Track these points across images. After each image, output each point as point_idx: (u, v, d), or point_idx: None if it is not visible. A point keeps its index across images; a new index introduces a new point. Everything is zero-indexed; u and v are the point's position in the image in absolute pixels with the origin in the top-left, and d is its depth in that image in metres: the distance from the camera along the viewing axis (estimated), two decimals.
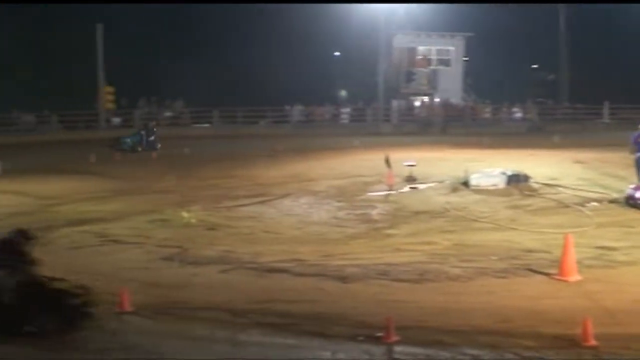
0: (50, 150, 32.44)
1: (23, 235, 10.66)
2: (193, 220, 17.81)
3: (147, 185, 23.44)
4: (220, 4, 41.24)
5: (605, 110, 47.60)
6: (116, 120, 41.16)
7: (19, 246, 10.43)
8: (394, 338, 9.46)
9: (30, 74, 39.08)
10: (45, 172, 26.43)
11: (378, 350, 9.33)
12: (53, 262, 14.20)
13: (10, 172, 25.54)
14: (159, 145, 33.90)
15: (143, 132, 34.51)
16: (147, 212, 19.08)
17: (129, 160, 29.26)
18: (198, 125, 42.13)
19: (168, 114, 42.38)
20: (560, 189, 21.05)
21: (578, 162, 26.34)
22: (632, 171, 20.37)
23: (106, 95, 40.30)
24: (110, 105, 40.79)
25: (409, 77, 48.60)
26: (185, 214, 18.23)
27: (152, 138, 34.40)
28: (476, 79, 48.49)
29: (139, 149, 33.66)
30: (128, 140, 34.17)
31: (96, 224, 17.60)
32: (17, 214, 18.78)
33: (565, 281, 12.15)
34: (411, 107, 48.33)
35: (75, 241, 16.06)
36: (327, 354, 9.58)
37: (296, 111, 43.70)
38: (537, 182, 21.73)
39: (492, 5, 42.78)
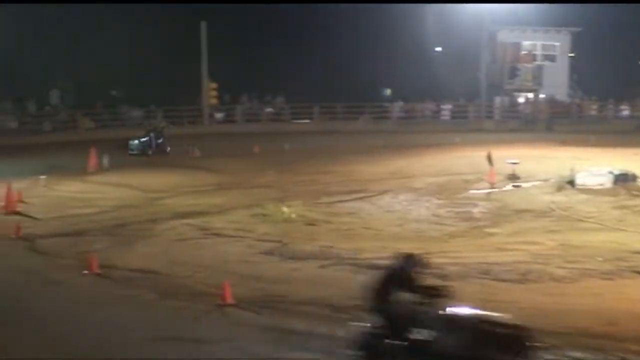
0: None
1: (415, 263, 8.31)
2: (293, 215, 17.96)
3: (248, 180, 23.76)
4: (322, 4, 41.47)
5: None
6: (219, 115, 41.90)
7: (413, 275, 8.18)
8: None
9: (137, 70, 40.13)
10: (150, 165, 27.15)
11: None
12: (159, 253, 14.67)
13: (117, 166, 26.32)
14: (169, 149, 31.32)
15: (152, 134, 31.53)
16: (248, 206, 19.34)
17: (231, 155, 29.66)
18: (298, 121, 42.46)
19: (269, 109, 42.87)
20: None
21: None
22: None
23: (210, 91, 41.09)
24: (214, 101, 41.53)
25: (513, 72, 47.69)
26: (285, 209, 18.40)
27: (160, 140, 31.54)
28: (582, 75, 47.20)
29: (149, 152, 30.91)
30: (136, 142, 31.23)
31: (199, 217, 17.96)
32: (125, 207, 19.37)
33: None
34: (515, 104, 47.41)
35: (179, 234, 16.44)
36: None
37: (396, 107, 43.54)
38: None
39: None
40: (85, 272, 13.23)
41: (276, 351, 9.61)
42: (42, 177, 22.73)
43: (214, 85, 41.15)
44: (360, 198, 20.61)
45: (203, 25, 39.78)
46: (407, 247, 14.72)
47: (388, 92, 43.67)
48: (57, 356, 9.46)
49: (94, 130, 37.04)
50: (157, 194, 21.25)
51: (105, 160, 26.29)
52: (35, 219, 17.87)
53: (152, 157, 30.36)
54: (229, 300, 11.45)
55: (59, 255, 14.59)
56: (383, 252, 14.41)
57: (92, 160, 25.99)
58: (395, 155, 29.38)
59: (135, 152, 30.80)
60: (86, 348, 9.71)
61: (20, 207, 18.92)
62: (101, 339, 10.08)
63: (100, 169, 25.76)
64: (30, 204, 19.49)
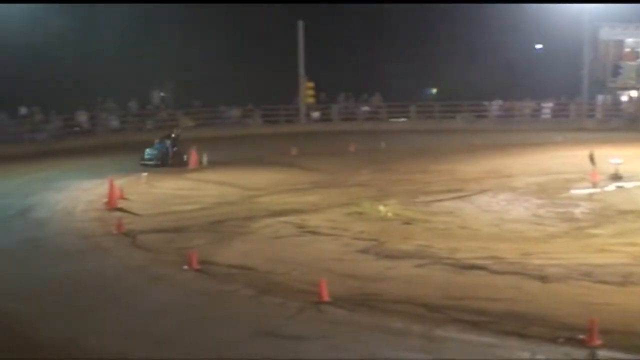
0: (252, 143, 33.71)
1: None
2: (389, 214, 17.87)
3: (344, 179, 23.78)
4: (419, 3, 41.14)
5: None
6: (315, 114, 42.14)
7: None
8: (597, 342, 9.04)
9: (235, 70, 40.72)
10: (248, 163, 27.50)
11: (580, 353, 8.95)
12: (257, 250, 14.82)
13: (215, 164, 26.76)
14: (186, 157, 26.80)
15: (169, 142, 27.28)
16: (344, 204, 19.34)
17: (327, 153, 29.78)
18: (395, 119, 42.29)
19: (365, 108, 42.85)
20: None
21: None
22: None
23: (306, 90, 41.37)
24: (311, 100, 41.79)
25: (616, 70, 46.29)
26: (381, 208, 18.33)
27: (175, 149, 27.14)
28: None
29: (169, 161, 26.68)
30: (150, 152, 26.90)
31: (295, 215, 18.07)
32: (223, 204, 19.67)
33: None
34: (617, 102, 45.99)
35: (276, 231, 16.58)
36: (526, 355, 9.31)
37: (495, 106, 42.85)
38: None
39: None
40: (185, 267, 13.48)
41: (372, 350, 9.56)
42: (144, 174, 23.30)
43: (310, 84, 41.40)
44: (458, 197, 20.34)
45: (300, 24, 40.07)
46: (505, 248, 14.55)
47: (433, 91, 42.97)
48: (162, 351, 9.67)
49: (194, 129, 37.77)
50: (255, 192, 21.49)
51: (205, 158, 26.74)
52: (136, 215, 18.33)
53: (171, 168, 26.27)
54: (325, 297, 11.47)
55: (160, 250, 14.91)
56: (481, 252, 14.23)
57: (193, 158, 26.48)
58: (494, 154, 28.94)
59: (152, 162, 26.39)
60: (192, 343, 9.89)
61: (122, 204, 19.44)
62: (201, 334, 10.26)
63: (200, 167, 26.23)
64: (131, 201, 20.01)
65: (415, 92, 41.09)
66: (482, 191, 21.10)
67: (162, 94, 39.40)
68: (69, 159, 28.04)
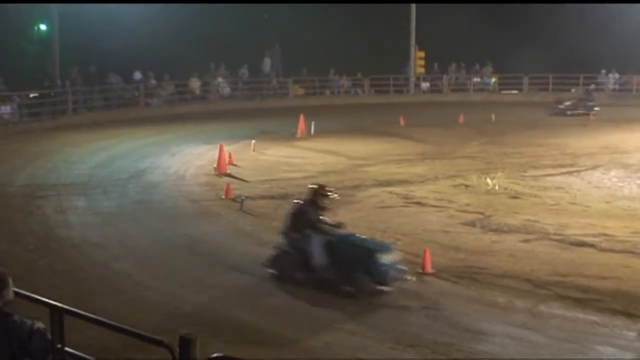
0: (360, 112, 33.65)
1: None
2: (497, 188, 17.59)
3: (452, 150, 23.52)
4: None
5: None
6: (425, 85, 41.69)
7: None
8: None
9: (346, 38, 40.62)
10: (356, 133, 27.50)
11: None
12: (362, 219, 14.88)
13: (323, 132, 26.89)
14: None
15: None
16: (451, 176, 19.17)
17: (436, 124, 29.43)
18: (506, 91, 41.41)
19: (477, 79, 42.10)
20: None
21: None
22: None
23: (417, 60, 40.95)
24: (421, 70, 41.34)
25: None
26: (489, 181, 18.06)
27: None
28: None
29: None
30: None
31: (401, 186, 18.03)
32: (329, 172, 19.79)
33: None
34: None
35: (382, 201, 16.60)
36: (632, 334, 9.09)
37: (611, 79, 41.33)
38: None
39: None
40: None
41: (476, 323, 9.50)
42: (253, 141, 23.65)
43: (421, 54, 40.92)
44: (569, 172, 19.84)
45: None
46: (615, 225, 14.15)
47: (493, 80, 41.49)
48: (268, 317, 9.88)
49: (303, 97, 38.06)
50: (361, 161, 21.53)
51: (312, 127, 26.93)
52: (244, 181, 18.66)
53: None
54: (429, 268, 11.45)
55: (267, 217, 15.16)
56: (590, 229, 13.88)
57: (301, 126, 26.71)
58: (609, 129, 28.01)
59: None
60: (295, 309, 10.06)
61: (231, 170, 19.82)
62: (307, 299, 10.40)
63: (308, 135, 26.43)
64: (240, 167, 20.39)
65: (528, 64, 39.92)
66: (594, 167, 20.51)
67: (270, 62, 39.70)
68: (182, 124, 28.70)
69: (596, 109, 32.63)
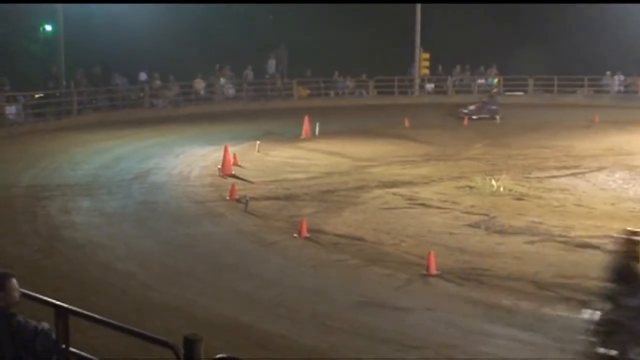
0: (365, 113, 33.59)
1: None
2: (501, 189, 17.57)
3: (456, 152, 23.48)
4: None
5: None
6: (429, 86, 41.63)
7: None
8: None
9: (350, 41, 40.59)
10: (360, 134, 27.47)
11: None
12: (366, 221, 14.87)
13: (327, 134, 26.86)
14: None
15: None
16: (455, 178, 19.15)
17: (440, 126, 29.43)
18: (511, 93, 41.34)
19: (481, 81, 42.05)
20: None
21: None
22: None
23: (422, 61, 40.90)
24: (426, 71, 41.29)
25: None
26: (494, 182, 18.03)
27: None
28: None
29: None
30: None
31: (406, 187, 18.01)
32: (333, 174, 19.78)
33: None
34: None
35: (386, 202, 16.58)
36: None
37: (616, 81, 41.24)
38: None
39: None
40: (295, 235, 13.67)
41: (481, 325, 9.49)
42: (257, 142, 23.65)
43: (426, 55, 40.89)
44: (574, 174, 19.81)
45: None
46: (621, 227, 14.04)
47: (495, 80, 41.32)
48: (268, 316, 9.87)
49: (307, 99, 38.04)
50: (365, 163, 21.51)
51: (317, 128, 26.91)
52: (249, 182, 18.66)
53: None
54: (433, 270, 11.44)
55: (271, 217, 15.17)
56: (595, 231, 13.84)
57: (306, 128, 26.70)
58: (613, 131, 27.95)
59: None
60: (299, 310, 10.04)
61: (235, 171, 19.82)
62: (311, 300, 10.41)
63: (312, 136, 26.42)
64: (245, 168, 20.38)
65: (533, 66, 39.86)
66: (599, 168, 20.47)
67: (275, 63, 39.67)
68: (186, 125, 28.69)
69: (497, 116, 31.83)
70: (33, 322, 5.24)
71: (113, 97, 32.81)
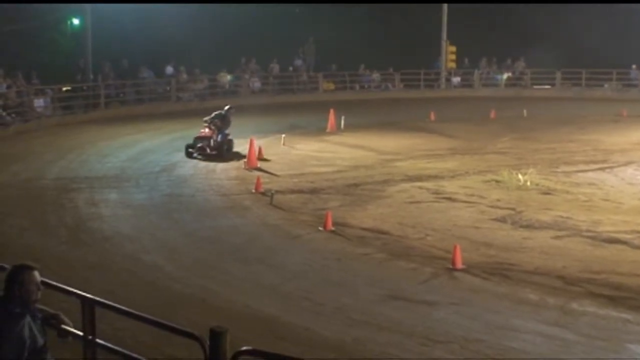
0: (391, 107, 33.52)
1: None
2: (528, 183, 17.44)
3: (483, 146, 23.34)
4: None
5: None
6: (455, 80, 41.44)
7: None
8: None
9: (376, 33, 40.49)
10: (386, 128, 27.41)
11: None
12: (391, 214, 14.85)
13: (352, 127, 26.83)
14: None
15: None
16: (481, 172, 19.05)
17: (466, 119, 29.27)
18: (539, 86, 41.04)
19: (508, 74, 41.77)
20: None
21: None
22: None
23: (448, 54, 40.74)
24: (452, 65, 41.13)
25: None
26: (520, 177, 17.91)
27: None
28: None
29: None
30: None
31: (432, 181, 17.95)
32: (359, 167, 19.76)
33: None
34: None
35: (411, 196, 16.53)
36: None
37: None
38: None
39: None
40: (320, 228, 13.68)
41: (507, 320, 9.44)
42: (283, 135, 23.67)
43: (453, 48, 40.72)
44: (602, 169, 19.63)
45: None
46: None
47: (504, 77, 40.89)
48: (292, 309, 9.89)
49: (333, 92, 38.02)
50: (391, 156, 21.45)
51: (342, 122, 26.88)
52: (274, 175, 18.69)
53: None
54: (459, 264, 11.39)
55: (296, 210, 15.18)
56: (623, 226, 13.72)
57: (331, 121, 26.68)
58: None
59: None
60: (324, 303, 10.04)
61: (261, 164, 19.85)
62: (336, 294, 10.40)
63: (338, 130, 26.40)
64: (270, 161, 20.41)
65: (562, 59, 39.51)
66: (627, 163, 20.27)
67: (301, 56, 39.66)
68: None
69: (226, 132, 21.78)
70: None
71: (140, 91, 32.99)
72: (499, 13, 40.13)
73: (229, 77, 35.61)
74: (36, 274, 5.19)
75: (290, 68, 38.40)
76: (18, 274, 5.12)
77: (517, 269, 11.39)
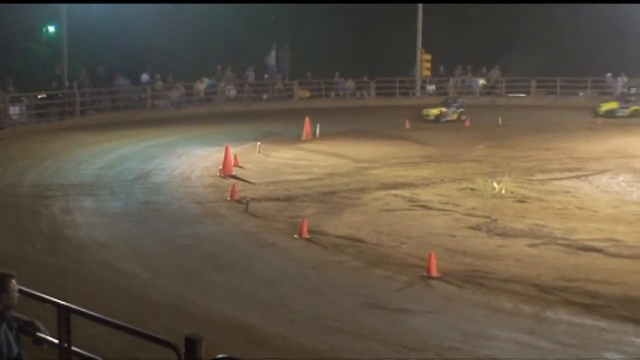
0: (366, 115, 33.57)
1: None
2: (503, 191, 17.54)
3: (458, 154, 23.46)
4: None
5: None
6: (430, 87, 41.61)
7: None
8: None
9: (354, 41, 40.59)
10: (361, 135, 27.45)
11: None
12: (367, 222, 14.87)
13: (328, 135, 26.85)
14: None
15: None
16: (456, 180, 19.13)
17: (441, 127, 29.42)
18: (513, 94, 41.32)
19: (482, 82, 42.02)
20: None
21: None
22: None
23: (424, 62, 40.91)
24: (427, 73, 41.30)
25: None
26: (495, 185, 18.01)
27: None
28: None
29: None
30: None
31: (407, 189, 17.99)
32: (334, 175, 19.78)
33: None
34: None
35: (387, 204, 16.57)
36: None
37: (620, 82, 41.18)
38: None
39: None
40: (296, 236, 13.68)
41: (482, 328, 9.48)
42: (258, 143, 23.65)
43: (428, 56, 40.91)
44: (577, 177, 19.79)
45: None
46: (624, 230, 14.12)
47: (480, 82, 41.16)
48: (268, 317, 9.87)
49: (308, 99, 38.05)
50: (366, 164, 21.50)
51: (318, 129, 26.91)
52: (249, 183, 18.66)
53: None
54: (434, 272, 11.42)
55: (272, 218, 15.17)
56: (598, 234, 13.83)
57: (307, 129, 26.69)
58: (617, 133, 27.91)
59: None
60: (300, 311, 10.03)
61: (236, 171, 19.82)
62: (312, 301, 10.40)
63: (313, 137, 26.42)
64: (246, 169, 20.38)
65: (535, 67, 39.83)
66: (602, 171, 20.45)
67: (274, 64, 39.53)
68: (188, 126, 28.66)
69: None
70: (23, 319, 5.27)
71: (116, 98, 32.82)
72: (474, 21, 40.36)
73: (205, 81, 35.44)
74: (14, 282, 5.38)
75: (266, 76, 38.36)
76: (3, 281, 5.20)
77: (492, 277, 11.43)
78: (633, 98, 34.33)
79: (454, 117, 32.07)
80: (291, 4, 38.39)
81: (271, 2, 38.72)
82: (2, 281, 5.28)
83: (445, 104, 33.21)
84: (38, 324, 5.45)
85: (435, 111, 32.26)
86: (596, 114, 32.79)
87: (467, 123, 30.94)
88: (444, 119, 31.64)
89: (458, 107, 32.76)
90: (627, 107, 33.21)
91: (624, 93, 35.35)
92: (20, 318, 5.37)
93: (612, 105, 33.41)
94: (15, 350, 5.20)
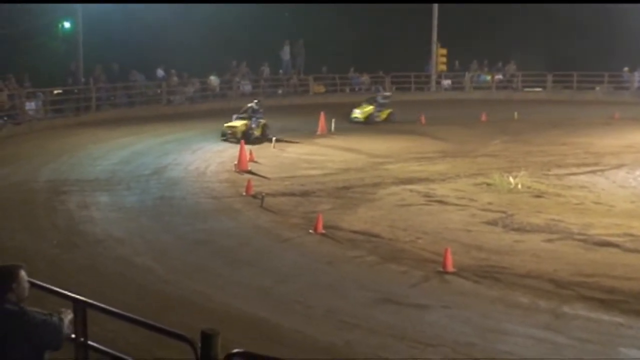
0: None
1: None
2: (519, 186, 17.47)
3: (474, 148, 23.38)
4: None
5: None
6: (446, 82, 41.49)
7: None
8: None
9: (369, 36, 40.53)
10: (376, 130, 27.42)
11: None
12: (382, 217, 14.85)
13: (343, 130, 26.84)
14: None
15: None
16: (472, 175, 19.08)
17: (457, 122, 29.30)
18: (529, 89, 41.12)
19: (499, 77, 41.83)
20: None
21: None
22: None
23: (439, 57, 40.77)
24: (443, 68, 41.18)
25: None
26: (511, 180, 17.94)
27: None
28: None
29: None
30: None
31: (423, 184, 17.96)
32: (350, 170, 19.76)
33: None
34: None
35: (402, 199, 16.54)
36: None
37: (636, 77, 40.86)
38: None
39: None
40: (311, 231, 13.67)
41: (498, 323, 9.44)
42: (273, 138, 23.65)
43: (443, 51, 40.76)
44: (593, 171, 19.67)
45: None
46: None
47: (488, 77, 40.78)
48: (282, 312, 9.87)
49: (323, 95, 38.00)
50: (381, 159, 21.46)
51: (332, 124, 26.88)
52: (265, 178, 18.67)
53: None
54: (450, 268, 11.40)
55: (287, 213, 15.17)
56: (615, 229, 13.75)
57: (322, 124, 26.67)
58: (634, 127, 27.70)
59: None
60: (315, 306, 10.03)
61: (251, 167, 19.83)
62: (327, 297, 10.40)
63: (328, 133, 26.39)
64: (261, 164, 20.39)
65: (554, 61, 39.61)
66: (619, 166, 20.32)
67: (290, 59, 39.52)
68: (203, 122, 28.69)
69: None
70: (41, 316, 5.26)
71: (131, 94, 32.91)
72: (490, 16, 40.17)
73: (213, 78, 35.46)
74: (24, 273, 5.36)
75: (281, 71, 38.35)
76: (14, 273, 5.28)
77: (508, 272, 11.39)
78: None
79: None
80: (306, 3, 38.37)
81: (282, 2, 38.72)
82: (12, 272, 5.30)
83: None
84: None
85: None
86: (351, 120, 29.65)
87: (484, 118, 30.58)
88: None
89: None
90: (380, 111, 30.22)
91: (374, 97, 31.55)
92: (39, 312, 5.39)
93: (367, 109, 30.19)
94: None
